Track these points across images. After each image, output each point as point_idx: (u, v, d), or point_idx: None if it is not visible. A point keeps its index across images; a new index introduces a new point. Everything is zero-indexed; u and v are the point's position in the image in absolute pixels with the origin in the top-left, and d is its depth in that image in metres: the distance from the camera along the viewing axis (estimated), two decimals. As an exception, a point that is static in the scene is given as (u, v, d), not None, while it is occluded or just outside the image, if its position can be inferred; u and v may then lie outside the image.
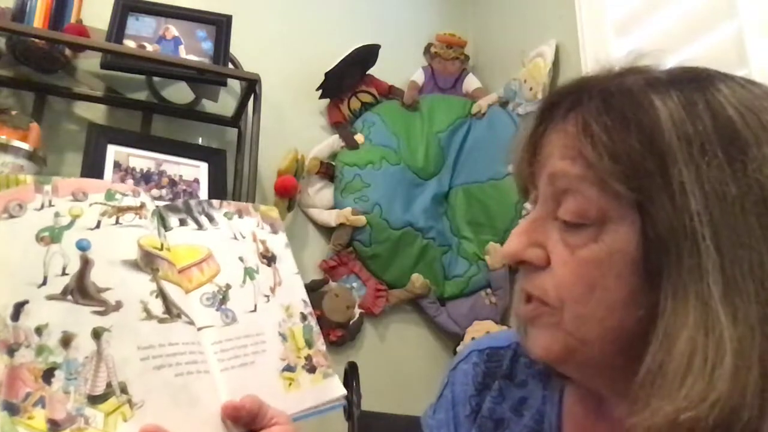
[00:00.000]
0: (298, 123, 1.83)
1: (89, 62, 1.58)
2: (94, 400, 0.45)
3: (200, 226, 0.61)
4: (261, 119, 1.57)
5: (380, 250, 1.73)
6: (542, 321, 0.48)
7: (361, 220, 1.70)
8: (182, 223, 0.60)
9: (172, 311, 0.52)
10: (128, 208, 0.54)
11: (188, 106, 1.68)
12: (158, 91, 1.66)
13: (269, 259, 0.64)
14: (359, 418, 1.33)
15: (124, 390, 0.46)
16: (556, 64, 1.63)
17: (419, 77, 1.94)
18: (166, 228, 0.58)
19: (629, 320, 0.44)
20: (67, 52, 1.50)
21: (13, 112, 1.34)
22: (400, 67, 1.96)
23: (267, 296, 0.61)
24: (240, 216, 0.64)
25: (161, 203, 0.60)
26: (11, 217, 0.48)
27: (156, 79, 1.64)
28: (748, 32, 1.06)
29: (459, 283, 1.76)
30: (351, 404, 1.34)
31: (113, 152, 1.48)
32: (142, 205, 0.56)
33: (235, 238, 0.62)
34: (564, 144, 0.47)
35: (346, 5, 2.03)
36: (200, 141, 1.69)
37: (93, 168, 1.44)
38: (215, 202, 0.64)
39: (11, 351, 0.43)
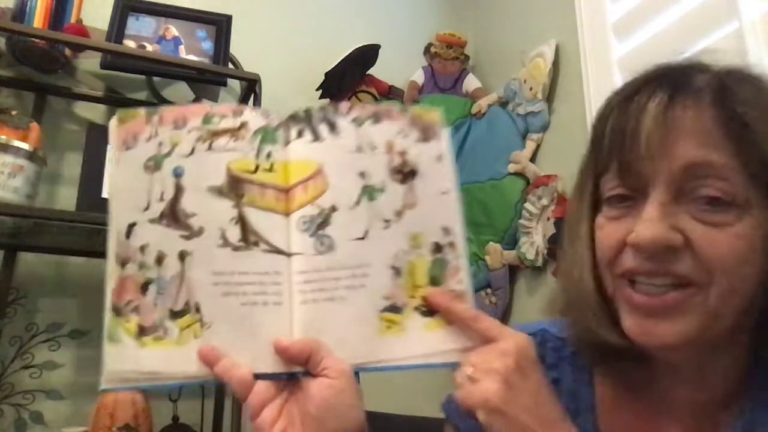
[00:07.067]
0: (298, 123, 1.83)
1: (89, 62, 1.58)
2: (174, 314, 0.49)
3: (317, 137, 0.54)
4: (261, 119, 1.56)
5: (380, 250, 1.73)
6: (684, 307, 0.49)
7: (361, 220, 1.70)
8: (299, 134, 0.54)
9: (249, 239, 0.51)
10: (224, 131, 0.53)
11: (188, 106, 1.68)
12: (158, 91, 1.66)
13: (406, 174, 0.54)
14: (359, 418, 1.33)
15: (197, 309, 0.49)
16: (556, 64, 1.62)
17: (419, 77, 1.94)
18: (287, 142, 0.54)
19: (760, 296, 0.50)
20: (67, 52, 1.50)
21: (13, 112, 1.34)
22: (400, 67, 1.96)
23: (387, 221, 0.53)
24: (376, 121, 0.55)
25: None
26: (128, 149, 0.52)
27: (156, 79, 1.65)
28: (748, 32, 1.06)
29: (459, 283, 1.76)
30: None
31: (113, 152, 1.47)
32: (242, 126, 0.53)
33: (360, 149, 0.54)
34: (701, 130, 0.49)
35: (346, 5, 2.03)
36: (200, 141, 1.69)
37: (93, 168, 1.44)
38: (344, 105, 0.55)
39: (123, 263, 0.50)
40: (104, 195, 1.43)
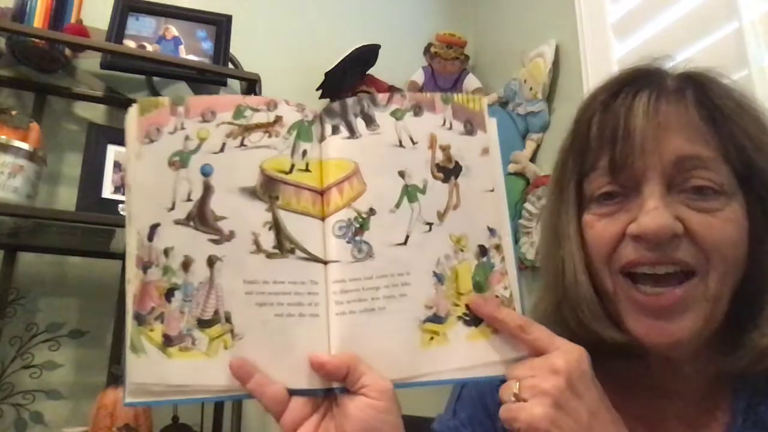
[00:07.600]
0: (298, 123, 1.84)
1: (89, 62, 1.58)
2: (202, 324, 0.46)
3: (352, 133, 0.51)
4: (261, 119, 1.57)
5: (380, 250, 1.72)
6: (689, 302, 0.50)
7: (361, 220, 1.70)
8: (334, 130, 0.51)
9: (284, 245, 0.47)
10: (256, 126, 0.49)
11: (188, 106, 1.68)
12: (158, 91, 1.66)
13: (449, 172, 0.51)
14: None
15: (228, 319, 0.46)
16: (556, 64, 1.62)
17: (419, 77, 1.94)
18: (322, 138, 0.51)
19: (748, 279, 0.52)
20: (67, 52, 1.50)
21: (13, 112, 1.34)
22: (400, 67, 1.96)
23: (430, 224, 0.49)
24: (417, 113, 0.51)
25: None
26: (151, 141, 0.48)
27: (156, 79, 1.65)
28: (748, 32, 1.06)
29: (459, 283, 1.75)
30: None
31: (113, 152, 1.48)
32: (276, 120, 0.50)
33: (401, 144, 0.50)
34: (688, 125, 0.52)
35: (346, 5, 2.03)
36: (200, 141, 1.69)
37: (93, 168, 1.44)
38: (382, 96, 0.52)
39: (145, 268, 0.46)
40: (104, 195, 1.43)
